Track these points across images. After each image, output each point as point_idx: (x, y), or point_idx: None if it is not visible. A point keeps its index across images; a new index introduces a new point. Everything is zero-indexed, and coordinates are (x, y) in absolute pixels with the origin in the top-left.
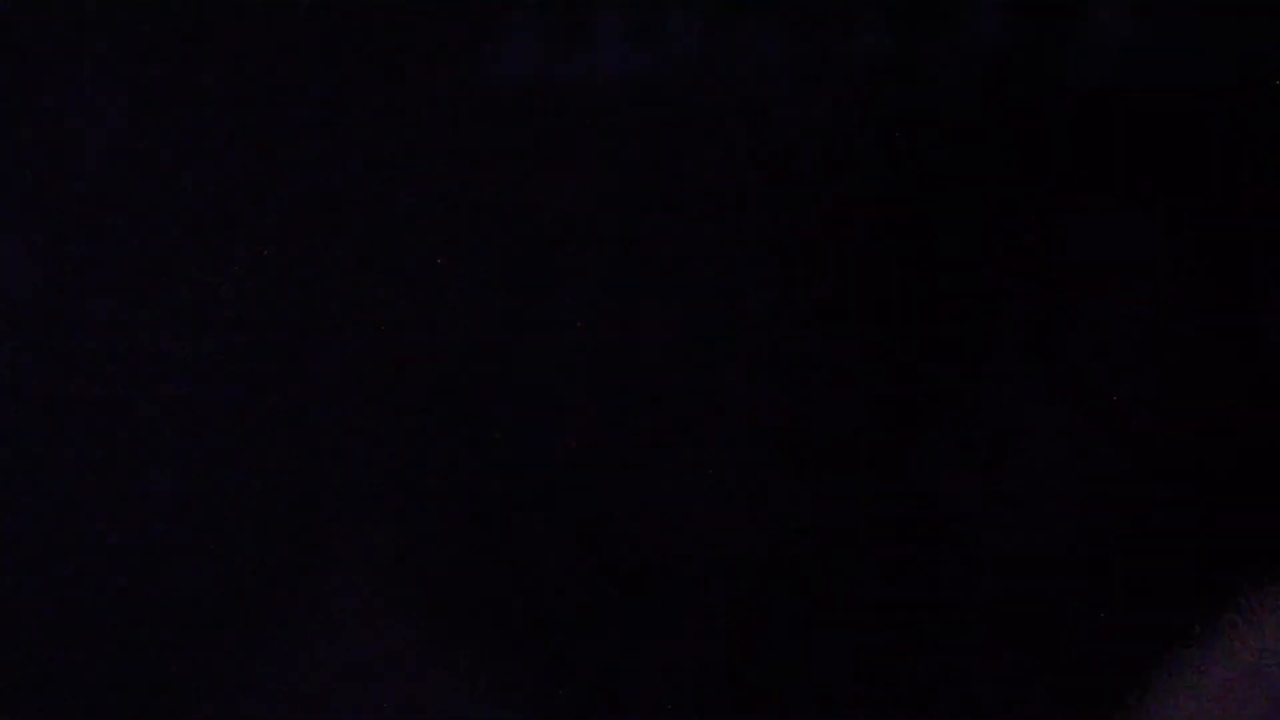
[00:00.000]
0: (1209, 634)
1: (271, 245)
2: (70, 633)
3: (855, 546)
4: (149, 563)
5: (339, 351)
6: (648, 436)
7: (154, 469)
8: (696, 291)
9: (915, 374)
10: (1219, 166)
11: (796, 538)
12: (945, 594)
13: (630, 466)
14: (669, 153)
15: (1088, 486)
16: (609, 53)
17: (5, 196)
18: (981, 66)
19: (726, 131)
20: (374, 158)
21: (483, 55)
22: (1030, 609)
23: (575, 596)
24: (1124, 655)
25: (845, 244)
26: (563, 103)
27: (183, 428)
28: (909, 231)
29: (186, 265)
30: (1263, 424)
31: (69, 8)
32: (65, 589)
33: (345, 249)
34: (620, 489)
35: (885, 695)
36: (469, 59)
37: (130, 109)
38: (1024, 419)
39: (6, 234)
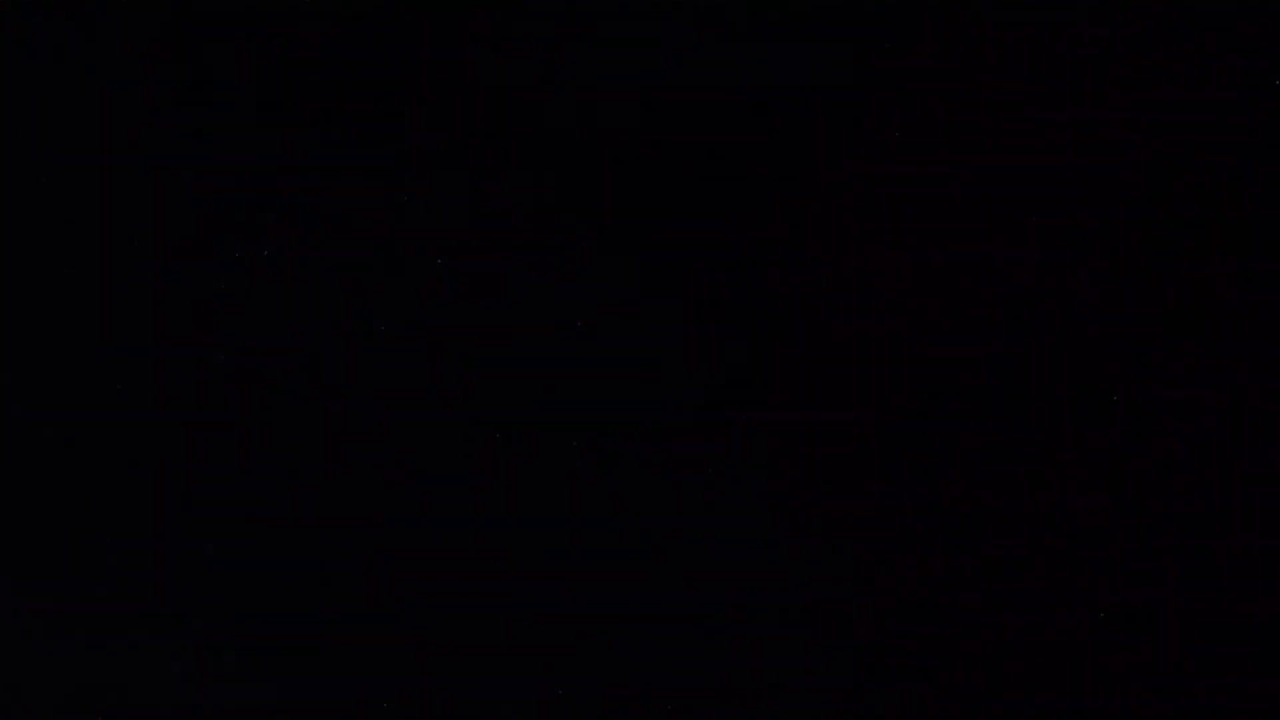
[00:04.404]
0: None
1: (271, 245)
2: None
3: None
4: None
5: (337, 349)
6: (648, 434)
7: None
8: (695, 291)
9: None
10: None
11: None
12: None
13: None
14: (669, 154)
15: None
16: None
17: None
18: None
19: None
20: (374, 159)
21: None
22: None
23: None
24: None
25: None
26: (563, 103)
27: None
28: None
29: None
30: None
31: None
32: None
33: (345, 249)
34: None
35: None
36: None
37: (125, 106)
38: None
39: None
